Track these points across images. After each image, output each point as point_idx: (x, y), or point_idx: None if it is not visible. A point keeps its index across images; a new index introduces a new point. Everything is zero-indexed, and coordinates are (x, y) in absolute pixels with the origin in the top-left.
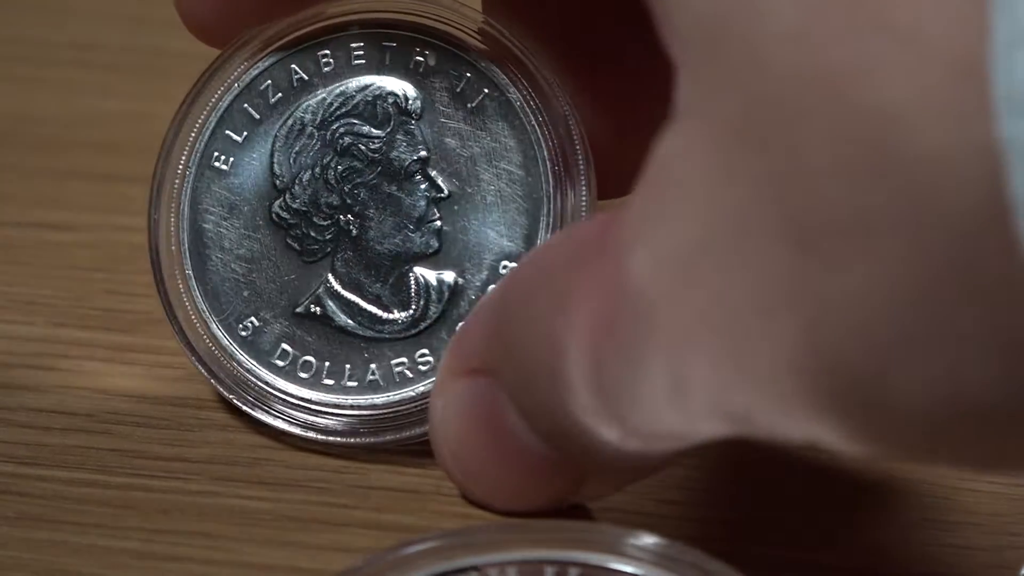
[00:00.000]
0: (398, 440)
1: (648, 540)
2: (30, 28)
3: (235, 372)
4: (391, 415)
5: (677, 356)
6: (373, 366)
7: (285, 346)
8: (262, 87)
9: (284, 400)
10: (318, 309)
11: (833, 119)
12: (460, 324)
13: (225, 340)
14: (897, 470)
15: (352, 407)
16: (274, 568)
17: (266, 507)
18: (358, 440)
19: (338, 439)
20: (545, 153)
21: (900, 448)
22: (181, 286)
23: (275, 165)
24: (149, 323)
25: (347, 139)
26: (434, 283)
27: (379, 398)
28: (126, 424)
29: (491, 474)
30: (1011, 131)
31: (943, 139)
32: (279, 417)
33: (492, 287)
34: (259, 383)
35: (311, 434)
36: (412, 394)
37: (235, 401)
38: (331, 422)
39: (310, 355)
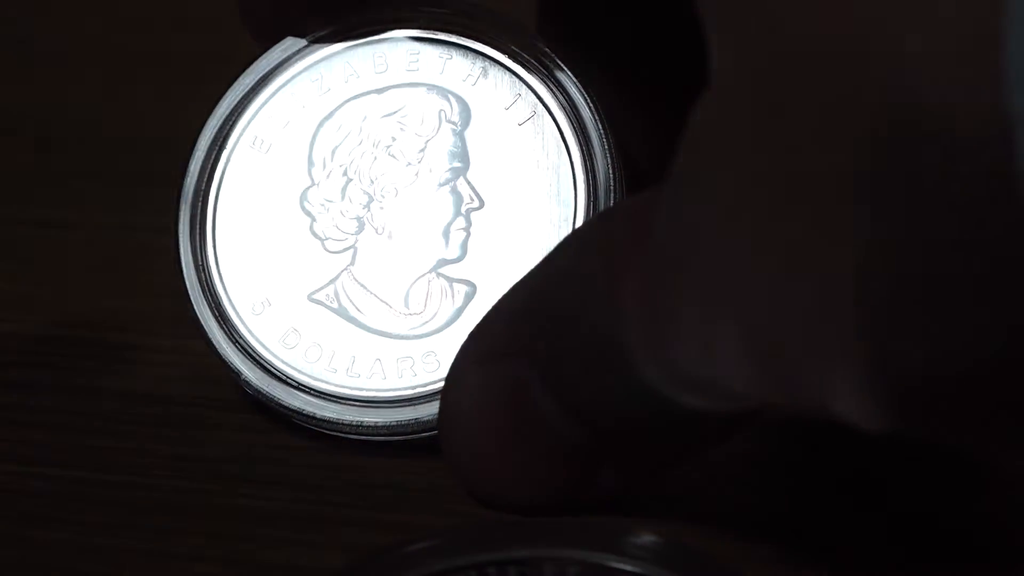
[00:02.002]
0: (398, 427)
1: (647, 538)
2: (29, 26)
3: (242, 350)
4: (392, 402)
5: (703, 319)
6: (380, 360)
7: (295, 330)
8: (313, 78)
9: (286, 383)
10: (333, 299)
11: (847, 86)
12: (477, 318)
13: (236, 318)
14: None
15: (353, 396)
16: (274, 566)
17: (265, 505)
18: (353, 421)
19: (333, 420)
20: (581, 179)
21: (921, 424)
22: (199, 260)
23: (313, 155)
24: (150, 322)
25: (390, 143)
26: (452, 290)
27: (381, 391)
28: (126, 423)
29: (508, 463)
30: (1021, 103)
31: (957, 112)
32: (277, 399)
33: (519, 278)
34: (263, 363)
35: (306, 409)
36: (415, 391)
37: (239, 378)
38: (330, 406)
39: (318, 342)
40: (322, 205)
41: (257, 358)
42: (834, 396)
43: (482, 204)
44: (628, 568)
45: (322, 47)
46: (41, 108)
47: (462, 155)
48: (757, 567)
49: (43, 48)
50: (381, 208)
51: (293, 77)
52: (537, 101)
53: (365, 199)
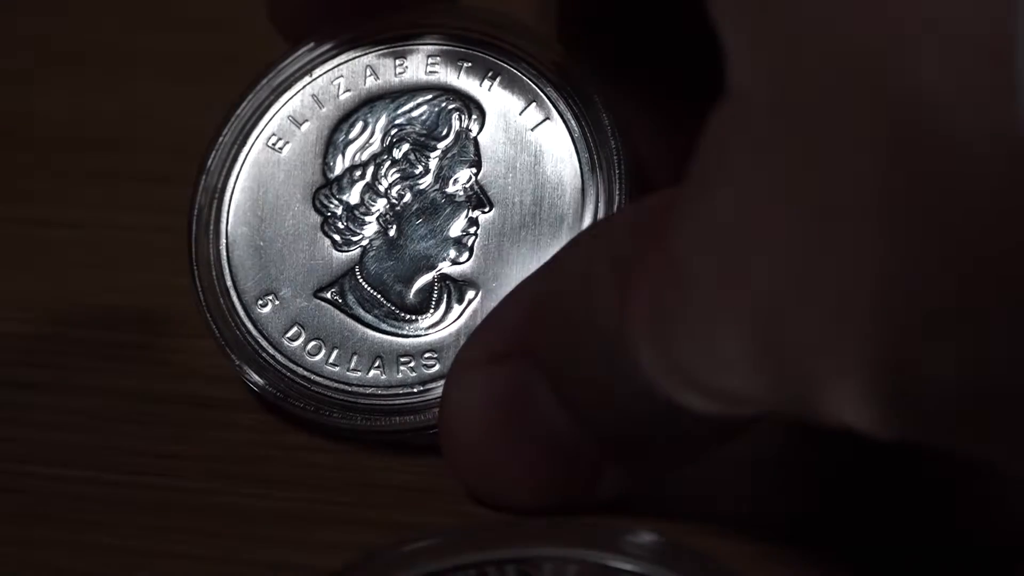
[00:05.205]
0: (398, 426)
1: (647, 538)
2: (30, 26)
3: (244, 342)
4: (392, 400)
5: (712, 323)
6: (379, 360)
7: (298, 325)
8: (333, 80)
9: (287, 377)
10: (338, 297)
11: (863, 100)
12: (480, 320)
13: (240, 310)
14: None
15: (353, 394)
16: (272, 565)
17: (264, 505)
18: (353, 420)
19: (332, 418)
20: (591, 183)
21: (928, 433)
22: (210, 256)
23: (328, 155)
24: (150, 321)
25: (405, 146)
26: (456, 292)
27: (382, 390)
28: (124, 421)
29: (509, 464)
30: None
31: (970, 123)
32: (276, 394)
33: (523, 278)
34: (264, 357)
35: (305, 406)
36: (416, 391)
37: (238, 366)
38: (330, 403)
39: (320, 338)
40: (334, 204)
41: (258, 351)
42: (843, 404)
43: (491, 207)
44: (628, 568)
45: (344, 50)
46: (41, 107)
47: (475, 158)
48: (757, 567)
49: (44, 46)
50: (391, 208)
51: (314, 79)
52: (551, 106)
53: (376, 199)
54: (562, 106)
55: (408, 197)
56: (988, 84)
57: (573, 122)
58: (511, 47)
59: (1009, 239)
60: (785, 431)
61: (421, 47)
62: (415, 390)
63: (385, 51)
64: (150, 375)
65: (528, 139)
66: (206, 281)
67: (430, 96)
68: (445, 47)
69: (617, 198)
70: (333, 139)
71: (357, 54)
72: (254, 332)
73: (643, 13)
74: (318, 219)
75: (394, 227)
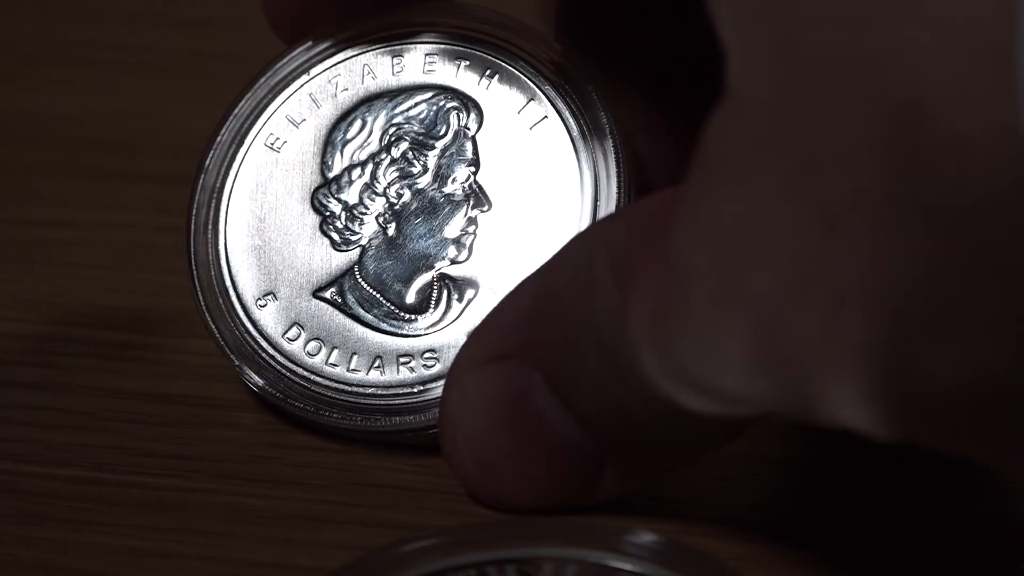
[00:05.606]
0: (398, 426)
1: (646, 538)
2: (30, 26)
3: (243, 342)
4: (392, 400)
5: (712, 325)
6: (379, 360)
7: (297, 325)
8: (331, 79)
9: (286, 377)
10: (337, 296)
11: (863, 100)
12: (480, 320)
13: (240, 310)
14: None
15: (352, 393)
16: (272, 565)
17: (264, 504)
18: (353, 419)
19: (332, 418)
20: (589, 182)
21: (928, 434)
22: (210, 256)
23: (327, 154)
24: (148, 320)
25: (403, 145)
26: (455, 291)
27: (381, 389)
28: (124, 421)
29: (509, 464)
30: None
31: (970, 124)
32: (276, 394)
33: (523, 278)
34: (263, 357)
35: (305, 405)
36: (415, 390)
37: (238, 366)
38: (330, 403)
39: (319, 338)
40: (332, 203)
41: (258, 351)
42: (843, 404)
43: (490, 206)
44: (628, 568)
45: (342, 49)
46: (41, 106)
47: (473, 157)
48: (757, 567)
49: (43, 46)
50: (390, 207)
51: (312, 78)
52: (549, 105)
53: (375, 198)
54: (560, 104)
55: (407, 196)
56: (988, 84)
57: (572, 121)
58: (509, 45)
59: (1009, 239)
60: (785, 431)
61: (419, 46)
62: (415, 390)
63: (383, 50)
64: (150, 375)
65: (527, 137)
66: (205, 281)
67: (428, 95)
68: (443, 45)
69: (616, 198)
70: (331, 138)
71: (355, 53)
72: (253, 332)
73: (642, 12)
74: (317, 219)
75: (393, 226)
